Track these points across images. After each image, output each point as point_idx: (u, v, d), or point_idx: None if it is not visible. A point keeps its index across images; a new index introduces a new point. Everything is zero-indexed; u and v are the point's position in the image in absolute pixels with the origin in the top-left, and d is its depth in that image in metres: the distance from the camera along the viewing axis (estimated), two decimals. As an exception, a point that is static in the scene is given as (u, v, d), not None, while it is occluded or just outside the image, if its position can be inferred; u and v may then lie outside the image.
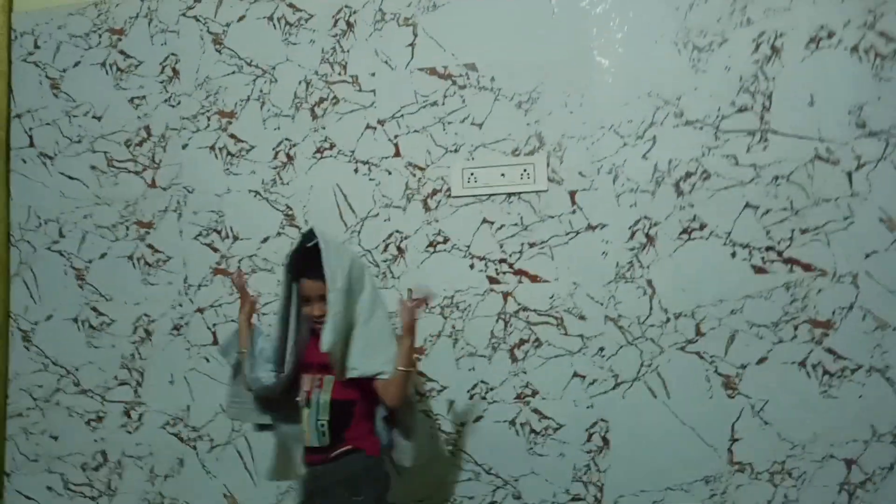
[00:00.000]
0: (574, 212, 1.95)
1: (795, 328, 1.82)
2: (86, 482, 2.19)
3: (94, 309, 2.24)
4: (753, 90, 1.87)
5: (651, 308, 1.90)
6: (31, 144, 2.32)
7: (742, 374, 1.84)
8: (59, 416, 2.23)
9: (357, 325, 1.72)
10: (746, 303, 1.85)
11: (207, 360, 2.14)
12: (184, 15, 2.24)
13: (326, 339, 1.65)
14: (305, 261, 1.73)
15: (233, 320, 2.12)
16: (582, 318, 1.93)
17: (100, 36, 2.30)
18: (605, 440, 1.91)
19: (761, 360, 1.84)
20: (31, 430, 2.24)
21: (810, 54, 1.85)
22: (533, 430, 1.95)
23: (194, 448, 2.14)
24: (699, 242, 1.88)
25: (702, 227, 1.88)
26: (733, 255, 1.86)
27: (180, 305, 2.18)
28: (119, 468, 2.18)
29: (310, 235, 1.73)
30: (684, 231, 1.89)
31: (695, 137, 1.90)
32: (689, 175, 1.89)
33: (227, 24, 2.20)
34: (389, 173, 2.07)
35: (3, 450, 2.24)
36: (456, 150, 2.04)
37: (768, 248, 1.84)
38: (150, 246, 2.22)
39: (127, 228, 2.24)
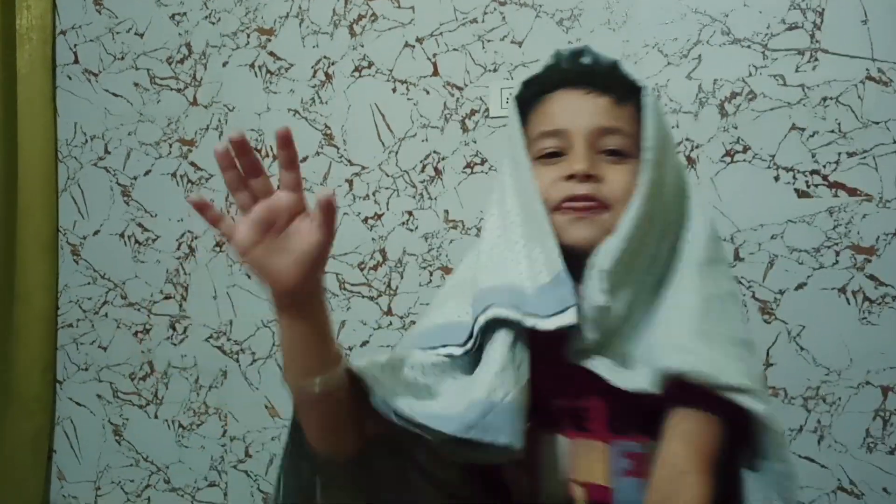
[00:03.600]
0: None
1: (837, 254, 1.79)
2: (134, 391, 2.28)
3: (140, 225, 2.29)
4: (804, 6, 1.80)
5: (689, 231, 1.87)
6: (76, 61, 2.35)
7: (780, 300, 1.82)
8: (108, 327, 2.31)
9: (677, 275, 0.89)
10: (787, 227, 1.82)
11: (248, 277, 2.19)
12: (223, -71, 2.22)
13: (604, 281, 0.84)
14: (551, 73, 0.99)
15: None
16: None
17: (140, -49, 2.30)
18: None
19: (800, 286, 1.81)
20: (80, 341, 2.32)
21: (868, -32, 1.77)
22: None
23: (237, 360, 2.20)
24: (741, 165, 1.84)
25: (745, 149, 1.84)
26: (776, 178, 1.82)
27: (222, 222, 2.21)
28: (165, 378, 2.26)
29: (578, 54, 1.00)
30: (727, 153, 1.85)
31: (742, 56, 1.84)
32: (734, 95, 1.84)
33: (267, -61, 2.18)
34: (427, 93, 2.05)
35: (55, 358, 2.34)
36: (495, 70, 2.01)
37: (813, 172, 1.80)
38: (192, 164, 2.25)
39: (170, 146, 2.27)
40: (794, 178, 1.81)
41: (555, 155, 0.91)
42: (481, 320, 0.86)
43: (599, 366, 0.84)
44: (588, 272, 0.84)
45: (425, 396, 0.83)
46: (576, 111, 0.89)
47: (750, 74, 1.83)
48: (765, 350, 1.83)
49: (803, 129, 1.80)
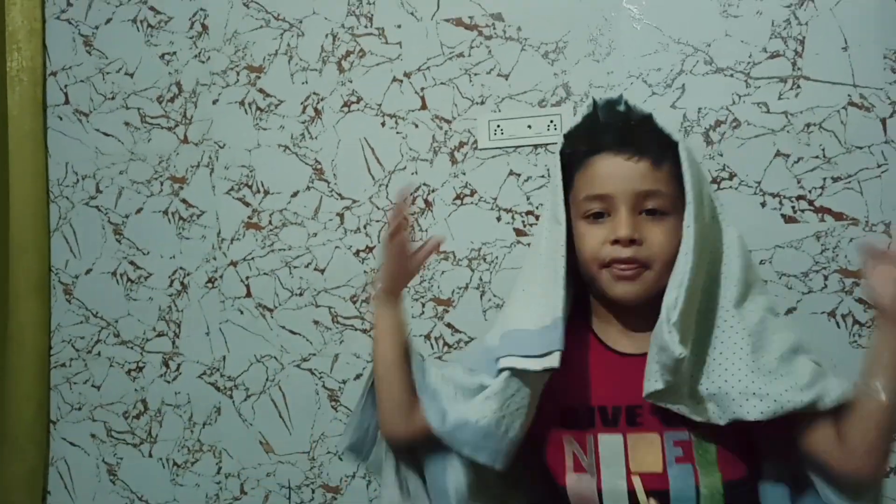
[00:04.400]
0: (601, 162, 1.94)
1: (825, 278, 1.80)
2: (127, 430, 2.27)
3: (132, 262, 2.30)
4: (786, 35, 1.83)
5: (679, 259, 1.88)
6: (67, 101, 2.36)
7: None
8: (101, 366, 2.30)
9: (721, 311, 0.98)
10: (776, 252, 1.83)
11: (241, 312, 2.19)
12: (211, -31, 2.25)
13: (675, 332, 0.90)
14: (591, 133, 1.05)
15: (265, 273, 2.17)
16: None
17: (130, -8, 2.33)
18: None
19: (790, 310, 1.82)
20: (74, 381, 2.32)
21: (845, -3, 1.80)
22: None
23: (230, 397, 2.20)
24: (729, 192, 1.86)
25: (731, 176, 1.86)
26: (763, 204, 1.84)
27: (214, 259, 2.22)
28: (159, 416, 2.25)
29: (614, 103, 1.07)
30: (713, 180, 1.86)
31: (725, 85, 1.87)
32: (718, 123, 1.87)
33: (254, -22, 2.21)
34: (416, 126, 2.07)
35: (48, 398, 2.33)
36: (482, 103, 2.03)
37: (799, 198, 1.82)
38: (183, 201, 2.26)
39: (161, 184, 2.28)
40: (781, 203, 1.83)
41: (600, 215, 1.00)
42: (495, 369, 1.00)
43: (677, 406, 0.94)
44: (660, 326, 0.92)
45: (440, 399, 1.04)
46: (619, 177, 0.98)
47: (734, 103, 1.86)
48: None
49: (788, 156, 1.82)
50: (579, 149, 1.04)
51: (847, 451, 0.90)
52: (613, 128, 1.04)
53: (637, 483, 0.93)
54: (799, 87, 1.82)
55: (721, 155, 1.86)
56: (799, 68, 1.82)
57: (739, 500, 0.95)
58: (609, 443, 0.97)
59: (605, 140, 1.02)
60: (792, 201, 1.82)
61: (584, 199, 1.01)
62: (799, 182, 1.82)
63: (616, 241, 0.97)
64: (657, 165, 0.99)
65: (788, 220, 1.82)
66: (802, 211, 1.82)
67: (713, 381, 0.93)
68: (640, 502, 0.91)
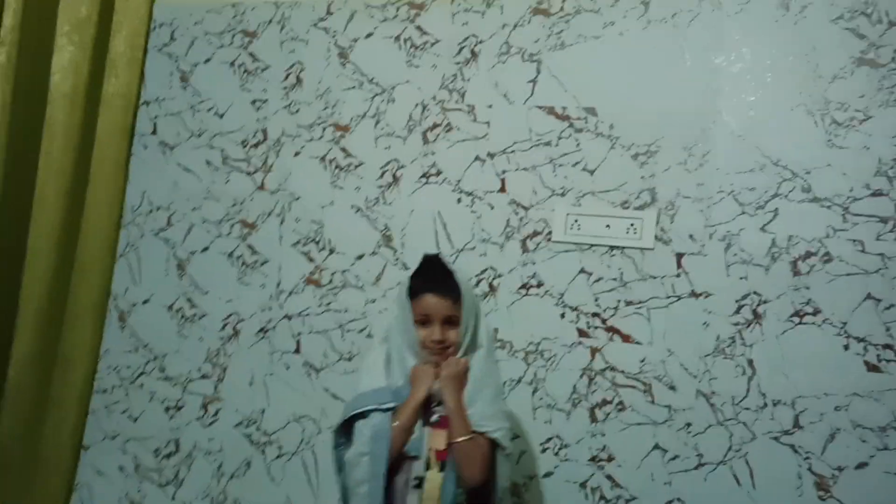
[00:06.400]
0: (679, 275, 1.86)
1: (905, 437, 1.67)
2: (156, 468, 2.24)
3: (190, 300, 2.29)
4: (891, 174, 1.73)
5: (748, 390, 1.78)
6: (154, 132, 2.40)
7: (838, 477, 1.70)
8: (141, 398, 2.29)
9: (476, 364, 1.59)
10: (853, 400, 1.71)
11: (287, 368, 2.15)
12: (314, 25, 2.27)
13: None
14: (422, 282, 1.61)
15: (317, 332, 2.13)
16: (672, 388, 1.83)
17: (233, 36, 2.36)
18: (678, 521, 1.81)
19: (861, 465, 1.69)
20: (112, 409, 2.30)
21: (962, 143, 1.71)
22: (603, 497, 1.86)
23: (263, 452, 2.15)
24: (810, 328, 1.75)
25: (815, 312, 1.75)
26: (846, 347, 1.72)
27: (269, 309, 2.20)
28: (189, 459, 2.21)
29: (433, 259, 1.66)
30: (796, 313, 1.76)
31: (821, 216, 1.77)
32: (809, 255, 1.77)
33: (355, 40, 2.22)
34: (492, 208, 2.03)
35: (84, 422, 2.31)
36: (563, 195, 1.98)
37: (886, 346, 1.70)
38: (250, 246, 2.25)
39: (231, 226, 2.28)
40: (865, 349, 1.71)
41: (424, 323, 1.59)
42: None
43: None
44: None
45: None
46: (436, 307, 1.58)
47: (827, 235, 1.76)
48: (817, 529, 1.70)
49: (879, 300, 1.71)
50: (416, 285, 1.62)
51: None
52: (433, 278, 1.61)
53: (432, 454, 1.50)
54: (900, 230, 1.72)
55: (808, 288, 1.76)
56: (902, 210, 1.73)
57: None
58: (434, 432, 1.54)
59: (428, 284, 1.60)
60: (878, 349, 1.70)
61: (419, 315, 1.59)
62: (888, 330, 1.70)
63: (433, 340, 1.58)
64: (455, 302, 1.58)
65: (871, 367, 1.71)
66: (888, 361, 1.70)
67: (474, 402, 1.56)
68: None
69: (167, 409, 2.26)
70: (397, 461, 1.50)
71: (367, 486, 1.48)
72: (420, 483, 1.49)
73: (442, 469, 1.48)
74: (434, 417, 1.54)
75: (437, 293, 1.58)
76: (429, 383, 1.54)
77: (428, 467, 1.49)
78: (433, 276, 1.61)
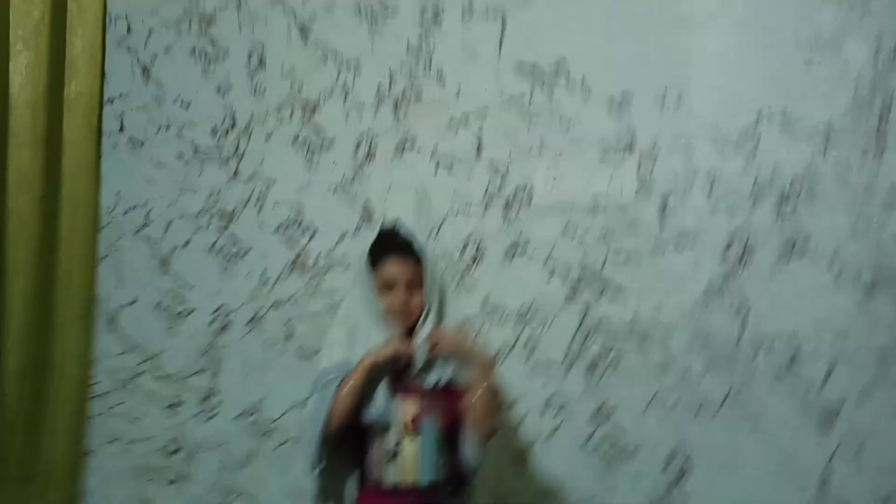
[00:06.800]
0: (664, 222, 1.84)
1: (905, 361, 1.66)
2: (161, 467, 2.23)
3: (177, 296, 2.26)
4: (871, 100, 1.70)
5: (744, 329, 1.76)
6: (122, 129, 2.34)
7: (842, 407, 1.69)
8: (140, 399, 2.27)
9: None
10: (851, 329, 1.70)
11: (281, 355, 2.13)
12: (272, 3, 2.20)
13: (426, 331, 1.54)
14: (383, 249, 1.63)
15: (308, 316, 2.11)
16: (667, 336, 1.82)
17: (190, 22, 2.30)
18: (684, 468, 1.80)
19: (864, 392, 1.68)
20: (112, 412, 2.28)
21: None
22: (607, 453, 1.85)
23: (265, 441, 2.14)
24: (801, 261, 1.73)
25: (805, 242, 1.73)
26: (839, 274, 1.71)
27: (258, 298, 2.17)
28: (192, 455, 2.20)
29: (391, 228, 1.67)
30: (785, 248, 1.74)
31: (803, 149, 1.75)
32: (793, 186, 1.75)
33: (315, 14, 2.16)
34: (470, 174, 2.00)
35: (85, 429, 2.29)
36: (540, 153, 1.94)
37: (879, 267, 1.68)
38: (231, 236, 2.21)
39: (210, 218, 2.24)
40: (859, 274, 1.69)
41: (389, 287, 1.59)
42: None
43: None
44: (417, 338, 1.56)
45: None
46: (399, 270, 1.58)
47: (810, 167, 1.74)
48: (824, 460, 1.70)
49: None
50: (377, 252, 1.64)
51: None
52: (393, 244, 1.63)
53: (407, 421, 1.50)
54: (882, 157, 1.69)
55: (794, 217, 1.74)
56: (883, 132, 1.70)
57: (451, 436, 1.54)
58: (396, 402, 1.54)
59: (389, 250, 1.62)
60: (871, 272, 1.69)
61: (382, 280, 1.60)
62: (879, 255, 1.69)
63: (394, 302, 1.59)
64: (417, 263, 1.60)
65: (868, 292, 1.69)
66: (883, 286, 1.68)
67: None
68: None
69: (169, 406, 2.24)
70: (371, 434, 1.53)
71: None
72: (395, 455, 1.50)
73: (419, 437, 1.49)
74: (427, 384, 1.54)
75: (399, 255, 1.59)
76: (393, 348, 1.52)
77: (400, 440, 1.50)
78: (393, 243, 1.63)
